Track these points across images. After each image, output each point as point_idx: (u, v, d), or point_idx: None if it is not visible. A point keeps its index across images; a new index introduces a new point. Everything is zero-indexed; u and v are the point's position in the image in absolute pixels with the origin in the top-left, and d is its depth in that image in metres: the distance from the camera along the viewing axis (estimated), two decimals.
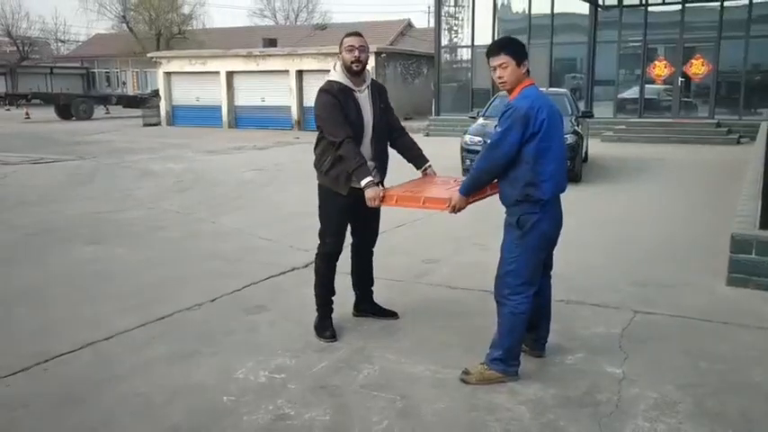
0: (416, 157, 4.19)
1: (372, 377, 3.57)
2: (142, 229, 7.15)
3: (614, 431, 3.04)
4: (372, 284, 4.40)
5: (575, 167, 9.64)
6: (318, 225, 4.12)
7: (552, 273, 3.74)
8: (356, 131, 3.87)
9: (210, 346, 3.97)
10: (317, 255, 4.16)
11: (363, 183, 3.77)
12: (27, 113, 27.89)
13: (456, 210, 3.54)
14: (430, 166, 4.18)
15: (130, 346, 3.98)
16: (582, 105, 15.31)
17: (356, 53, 3.88)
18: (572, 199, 9.07)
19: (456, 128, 15.66)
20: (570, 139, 9.57)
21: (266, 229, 7.07)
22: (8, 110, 32.21)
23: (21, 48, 41.66)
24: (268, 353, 3.86)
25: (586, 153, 11.44)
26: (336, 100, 3.86)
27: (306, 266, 5.48)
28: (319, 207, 4.09)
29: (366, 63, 3.96)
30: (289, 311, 4.53)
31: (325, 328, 4.10)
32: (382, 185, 3.93)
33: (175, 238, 6.72)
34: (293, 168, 11.95)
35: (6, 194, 9.48)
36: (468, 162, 9.82)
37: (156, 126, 24.49)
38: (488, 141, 3.40)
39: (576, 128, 10.16)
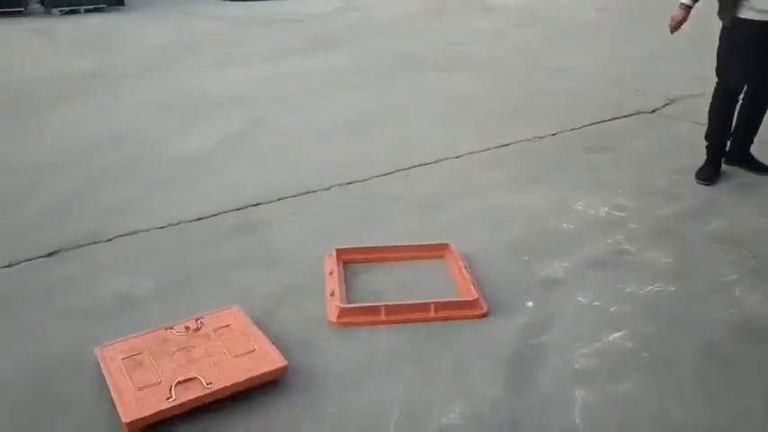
0: None
1: (721, 229, 3.37)
2: (487, 60, 7.37)
3: None
4: (754, 135, 4.07)
5: None
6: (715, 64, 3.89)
7: None
8: None
9: (549, 176, 4.10)
10: (714, 94, 3.94)
11: None
12: None
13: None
14: None
15: (478, 165, 4.30)
16: None
17: None
18: None
19: None
20: None
21: (609, 68, 6.76)
22: None
23: None
24: (608, 191, 3.86)
25: None
26: None
27: (653, 111, 5.22)
28: (719, 45, 3.82)
29: None
30: (632, 154, 4.41)
31: (707, 171, 3.96)
32: None
33: (516, 72, 6.82)
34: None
35: (372, 22, 10.43)
36: None
37: None
38: None
39: None
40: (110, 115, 5.38)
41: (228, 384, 2.24)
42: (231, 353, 2.39)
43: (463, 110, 5.51)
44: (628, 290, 2.87)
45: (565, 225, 3.48)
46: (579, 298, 2.83)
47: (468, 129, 4.99)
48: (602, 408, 2.22)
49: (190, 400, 2.19)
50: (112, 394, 2.21)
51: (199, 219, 3.55)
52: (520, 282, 2.96)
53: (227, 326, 2.55)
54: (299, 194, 3.86)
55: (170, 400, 2.18)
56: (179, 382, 2.25)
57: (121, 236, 3.36)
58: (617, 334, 2.59)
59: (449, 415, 2.19)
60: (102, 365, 2.36)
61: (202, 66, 7.19)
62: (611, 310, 2.74)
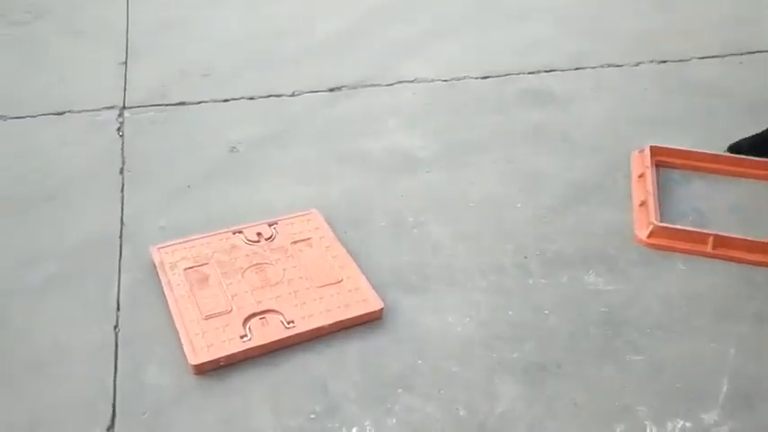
0: None
1: None
2: None
3: None
4: None
5: None
6: None
7: None
8: None
9: None
10: None
11: None
12: None
13: None
14: None
15: None
16: None
17: None
18: None
19: None
20: None
21: None
22: None
23: None
24: None
25: None
26: None
27: None
28: None
29: None
30: None
31: None
32: None
33: None
34: None
35: None
36: None
37: None
38: None
39: None
40: None
41: (313, 327, 1.80)
42: (315, 280, 1.95)
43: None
44: None
45: None
46: None
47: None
48: None
49: (267, 344, 1.77)
50: (175, 321, 1.82)
51: (485, 77, 3.11)
52: None
53: (308, 239, 2.09)
54: (602, 66, 3.24)
55: (244, 339, 1.78)
56: (254, 314, 1.85)
57: (403, 82, 3.05)
58: None
59: None
60: (160, 274, 1.95)
61: None
62: None
